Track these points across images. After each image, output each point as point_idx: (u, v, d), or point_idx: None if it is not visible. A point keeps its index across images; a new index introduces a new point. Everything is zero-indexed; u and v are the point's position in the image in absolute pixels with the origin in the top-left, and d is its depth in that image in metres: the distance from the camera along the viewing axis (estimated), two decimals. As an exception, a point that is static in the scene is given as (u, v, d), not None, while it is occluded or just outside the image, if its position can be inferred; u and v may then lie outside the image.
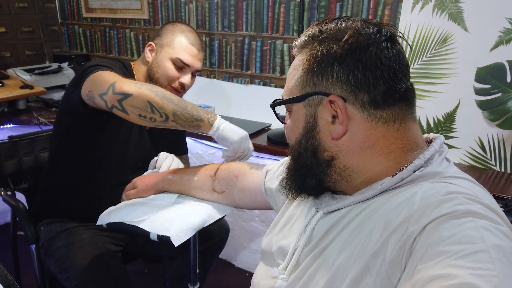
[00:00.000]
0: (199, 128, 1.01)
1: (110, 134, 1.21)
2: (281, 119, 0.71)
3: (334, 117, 0.59)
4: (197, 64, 1.28)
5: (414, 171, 0.56)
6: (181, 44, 1.24)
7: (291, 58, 1.82)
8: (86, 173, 1.22)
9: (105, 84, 0.98)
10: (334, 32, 0.58)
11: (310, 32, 0.62)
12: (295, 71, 0.63)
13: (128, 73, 1.26)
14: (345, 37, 0.56)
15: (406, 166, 0.57)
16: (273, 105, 0.69)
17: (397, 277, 0.50)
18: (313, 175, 0.63)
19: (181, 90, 1.29)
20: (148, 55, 1.28)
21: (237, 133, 1.04)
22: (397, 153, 0.59)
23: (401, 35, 0.60)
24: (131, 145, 1.29)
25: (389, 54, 0.56)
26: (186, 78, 1.26)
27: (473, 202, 0.50)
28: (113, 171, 1.26)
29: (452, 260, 0.44)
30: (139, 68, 1.30)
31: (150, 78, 1.26)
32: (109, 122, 1.18)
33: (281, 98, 0.67)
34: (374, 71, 0.56)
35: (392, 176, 0.57)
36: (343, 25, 0.59)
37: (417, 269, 0.47)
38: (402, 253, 0.50)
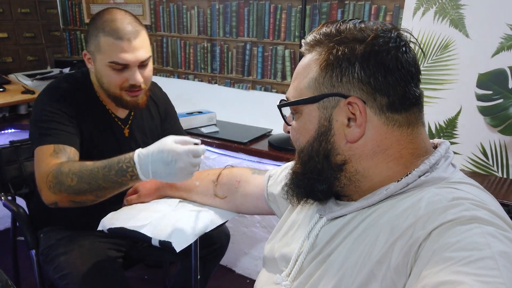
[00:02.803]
0: (131, 182, 0.97)
1: (87, 148, 1.17)
2: (287, 120, 0.69)
3: (349, 119, 0.57)
4: (137, 57, 1.08)
5: (419, 176, 0.56)
6: (107, 44, 1.06)
7: (293, 63, 1.83)
8: None
9: (38, 188, 1.01)
10: (355, 33, 0.57)
11: (324, 31, 0.60)
12: (307, 71, 0.61)
13: (87, 84, 1.18)
14: (369, 39, 0.56)
15: (412, 172, 0.57)
16: (281, 106, 0.66)
17: (402, 283, 0.50)
18: (324, 179, 0.62)
19: (136, 89, 1.12)
20: (89, 65, 1.14)
21: (164, 160, 0.91)
22: (407, 158, 0.58)
23: (415, 40, 0.60)
24: (113, 154, 1.23)
25: (408, 58, 0.56)
26: (133, 78, 1.09)
27: (479, 208, 0.50)
28: None
29: (458, 267, 0.43)
30: (92, 77, 1.19)
31: (102, 87, 1.15)
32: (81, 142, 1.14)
33: (285, 99, 0.65)
34: (394, 74, 0.55)
35: (398, 181, 0.57)
36: (362, 25, 0.58)
37: (422, 275, 0.46)
38: (408, 259, 0.49)
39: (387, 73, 0.55)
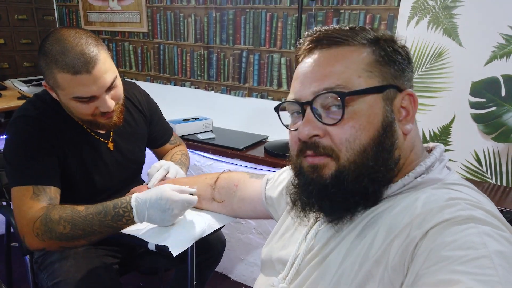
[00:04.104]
0: (125, 226, 0.97)
1: (73, 173, 1.12)
2: (320, 116, 0.58)
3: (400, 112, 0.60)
4: (102, 86, 0.98)
5: (416, 178, 0.57)
6: (65, 81, 0.95)
7: (288, 71, 1.84)
8: (73, 194, 1.15)
9: (20, 232, 0.97)
10: (388, 34, 0.62)
11: (344, 28, 0.61)
12: (358, 59, 0.57)
13: (58, 107, 1.07)
14: (400, 40, 0.61)
15: (408, 173, 0.58)
16: (348, 94, 0.55)
17: (400, 282, 0.50)
18: (381, 178, 0.57)
19: (109, 114, 1.05)
20: (53, 95, 1.04)
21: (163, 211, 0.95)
22: (418, 154, 0.62)
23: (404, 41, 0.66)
24: (101, 172, 1.19)
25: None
26: (103, 106, 1.01)
27: (475, 208, 0.50)
28: (96, 192, 1.20)
29: (455, 266, 0.44)
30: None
31: (73, 115, 1.08)
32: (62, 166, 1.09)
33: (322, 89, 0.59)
34: (412, 67, 0.62)
35: (394, 182, 0.58)
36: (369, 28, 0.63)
37: (419, 274, 0.47)
38: (404, 258, 0.50)
39: (410, 69, 0.62)
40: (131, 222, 0.95)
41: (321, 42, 0.59)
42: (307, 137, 0.58)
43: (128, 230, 0.97)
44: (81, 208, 0.96)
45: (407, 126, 0.59)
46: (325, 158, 0.57)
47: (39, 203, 0.97)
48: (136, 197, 0.95)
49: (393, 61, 0.58)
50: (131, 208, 0.94)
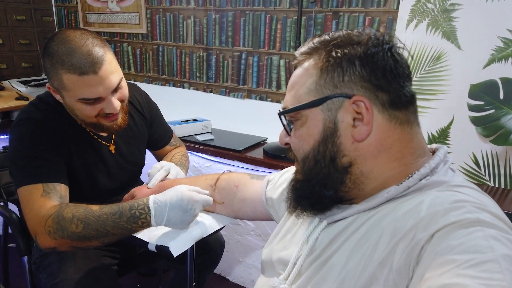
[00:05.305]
0: (140, 229, 0.94)
1: (75, 175, 1.11)
2: (288, 129, 0.67)
3: (353, 119, 0.58)
4: (108, 87, 0.97)
5: (420, 180, 0.56)
6: (71, 82, 0.94)
7: (287, 73, 1.85)
8: (75, 195, 1.13)
9: (31, 231, 0.95)
10: (351, 36, 0.59)
11: (318, 39, 0.62)
12: (305, 77, 0.61)
13: (62, 109, 1.07)
14: (365, 40, 0.58)
15: (412, 175, 0.57)
16: (283, 113, 0.64)
17: (405, 285, 0.50)
18: (331, 184, 0.61)
19: (113, 115, 1.04)
20: (57, 97, 1.04)
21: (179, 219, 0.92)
22: (408, 158, 0.59)
23: (403, 46, 0.62)
24: (101, 174, 1.19)
25: (402, 60, 0.59)
26: (109, 108, 1.00)
27: (481, 211, 0.50)
28: (97, 193, 1.20)
29: (461, 270, 0.44)
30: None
31: (76, 118, 1.07)
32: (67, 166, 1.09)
33: (281, 109, 0.65)
34: (392, 71, 0.57)
35: (398, 184, 0.57)
36: (355, 32, 0.60)
37: (425, 277, 0.46)
38: (410, 261, 0.50)
39: (385, 70, 0.57)
40: (147, 225, 0.92)
41: (296, 58, 0.64)
42: (282, 145, 0.68)
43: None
44: (95, 207, 0.93)
45: (361, 131, 0.57)
46: (296, 163, 0.66)
47: (50, 201, 0.96)
48: (154, 198, 0.92)
49: (339, 68, 0.57)
50: (149, 210, 0.91)
